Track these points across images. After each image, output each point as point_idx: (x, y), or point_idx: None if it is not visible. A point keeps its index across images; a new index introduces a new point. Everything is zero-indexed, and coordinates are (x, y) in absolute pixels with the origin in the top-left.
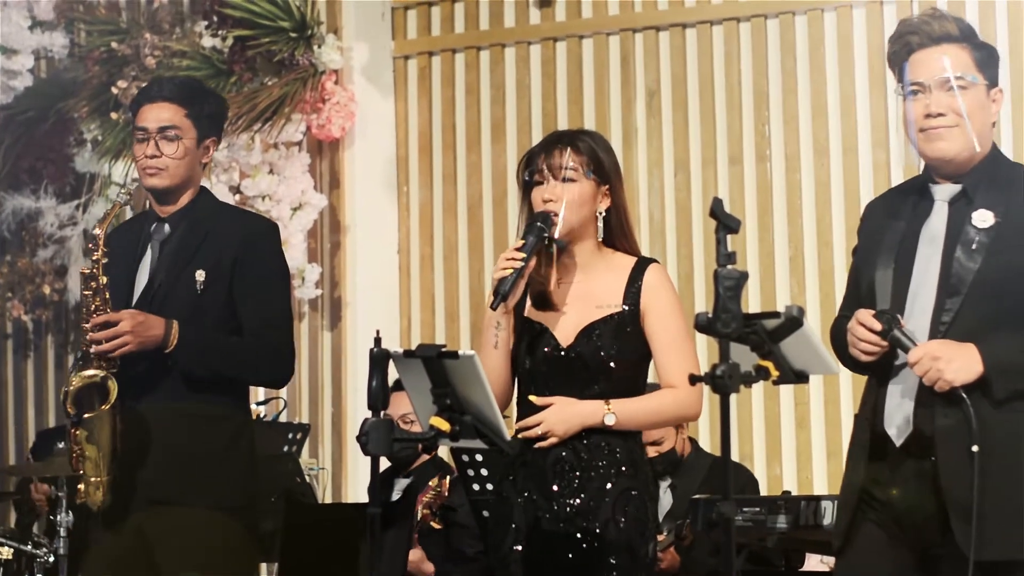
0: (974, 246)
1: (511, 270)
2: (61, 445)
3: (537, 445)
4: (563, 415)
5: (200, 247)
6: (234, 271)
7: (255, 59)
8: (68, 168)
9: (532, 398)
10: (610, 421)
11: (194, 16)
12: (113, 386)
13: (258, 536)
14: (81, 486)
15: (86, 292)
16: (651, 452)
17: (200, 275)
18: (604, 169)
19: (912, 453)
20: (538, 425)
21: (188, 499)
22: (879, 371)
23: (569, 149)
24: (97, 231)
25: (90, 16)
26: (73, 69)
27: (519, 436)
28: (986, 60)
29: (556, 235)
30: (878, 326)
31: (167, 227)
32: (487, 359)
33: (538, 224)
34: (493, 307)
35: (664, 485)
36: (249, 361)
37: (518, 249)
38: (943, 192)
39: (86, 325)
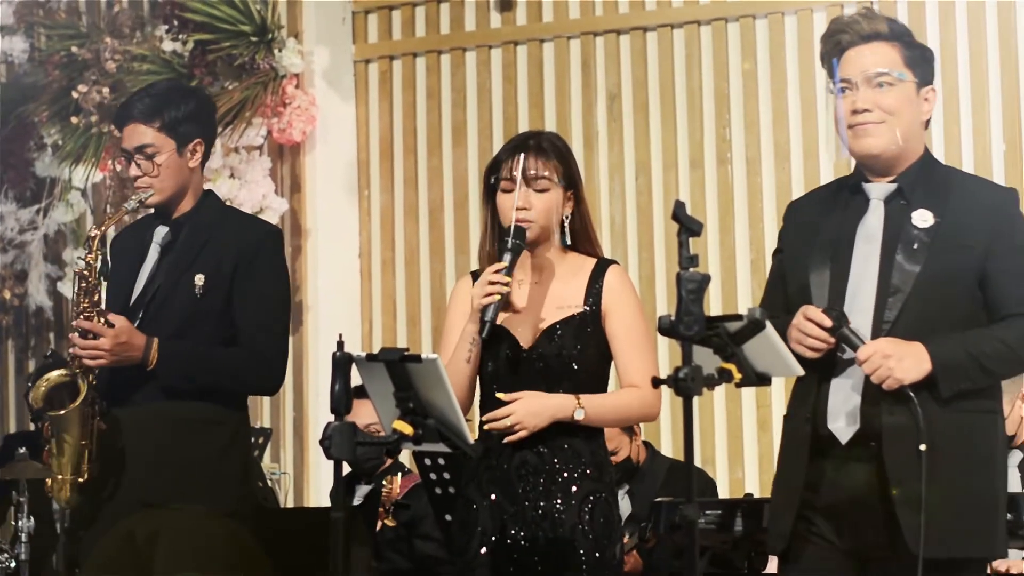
0: (915, 246)
1: (499, 295)
2: (23, 450)
3: (507, 439)
4: (533, 408)
5: (201, 251)
6: (234, 276)
7: (216, 63)
8: (28, 173)
9: (500, 395)
10: (580, 416)
11: (154, 20)
12: (83, 384)
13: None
14: (48, 481)
15: (76, 290)
16: None
17: (200, 279)
18: (571, 174)
19: (857, 451)
20: (507, 417)
21: (184, 502)
22: (820, 369)
23: (541, 157)
24: (94, 232)
25: (50, 20)
26: (33, 74)
27: (487, 428)
28: (917, 59)
29: (527, 240)
30: (829, 322)
31: (170, 231)
32: (459, 372)
33: (516, 241)
34: (482, 335)
35: (621, 492)
36: (237, 373)
37: (498, 272)
38: (878, 191)
39: (73, 323)
